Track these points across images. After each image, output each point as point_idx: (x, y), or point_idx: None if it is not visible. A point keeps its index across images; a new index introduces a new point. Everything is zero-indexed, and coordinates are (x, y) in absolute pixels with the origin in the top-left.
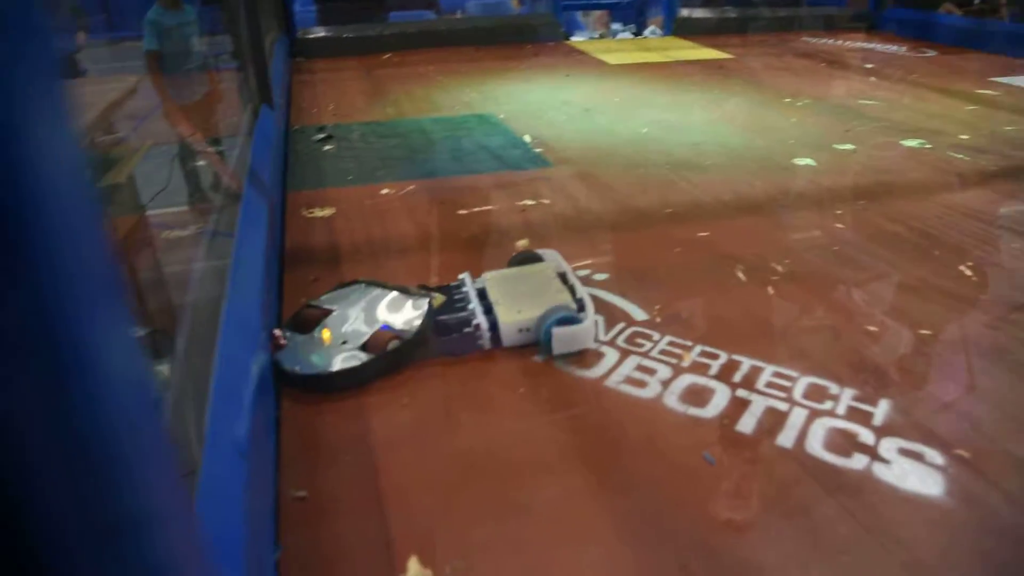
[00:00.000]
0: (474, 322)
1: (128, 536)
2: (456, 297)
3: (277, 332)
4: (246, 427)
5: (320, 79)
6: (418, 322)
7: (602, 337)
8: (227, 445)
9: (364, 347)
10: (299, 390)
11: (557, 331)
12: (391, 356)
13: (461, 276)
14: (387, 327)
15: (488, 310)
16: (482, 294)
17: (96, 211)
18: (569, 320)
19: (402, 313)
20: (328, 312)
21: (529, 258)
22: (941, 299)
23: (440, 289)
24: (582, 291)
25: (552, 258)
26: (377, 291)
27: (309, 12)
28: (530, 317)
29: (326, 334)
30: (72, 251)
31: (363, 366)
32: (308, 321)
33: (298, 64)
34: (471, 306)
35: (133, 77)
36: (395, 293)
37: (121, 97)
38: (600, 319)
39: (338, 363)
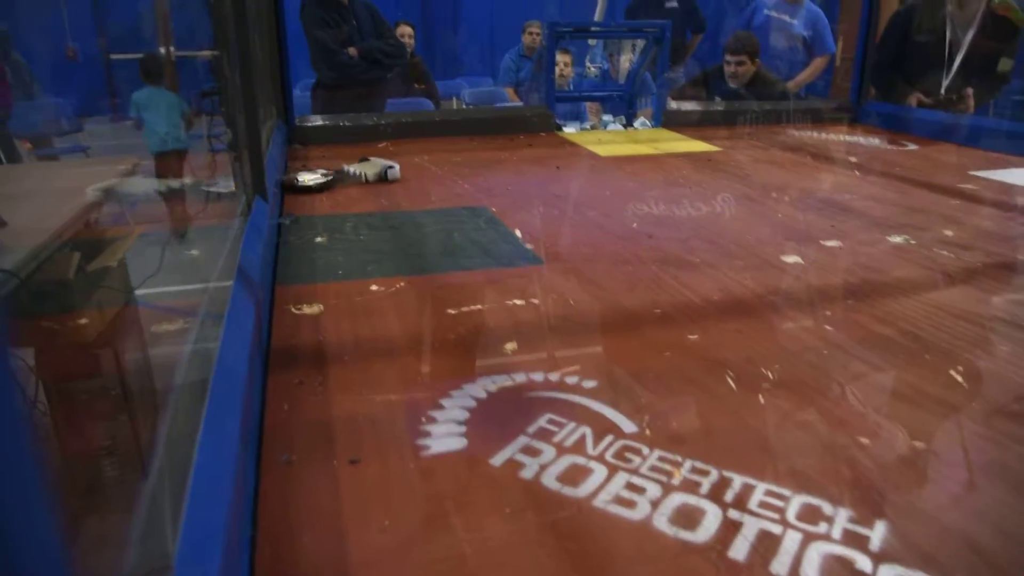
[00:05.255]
0: None
1: None
2: None
3: None
4: (218, 560)
5: (317, 168)
6: None
7: (591, 451)
8: None
9: None
10: None
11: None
12: None
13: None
14: None
15: None
16: None
17: None
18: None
19: None
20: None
21: None
22: (934, 407)
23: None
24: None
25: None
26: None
27: (307, 97)
28: None
29: None
30: None
31: None
32: None
33: (295, 151)
34: None
35: (134, 157)
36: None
37: (118, 180)
38: (588, 430)
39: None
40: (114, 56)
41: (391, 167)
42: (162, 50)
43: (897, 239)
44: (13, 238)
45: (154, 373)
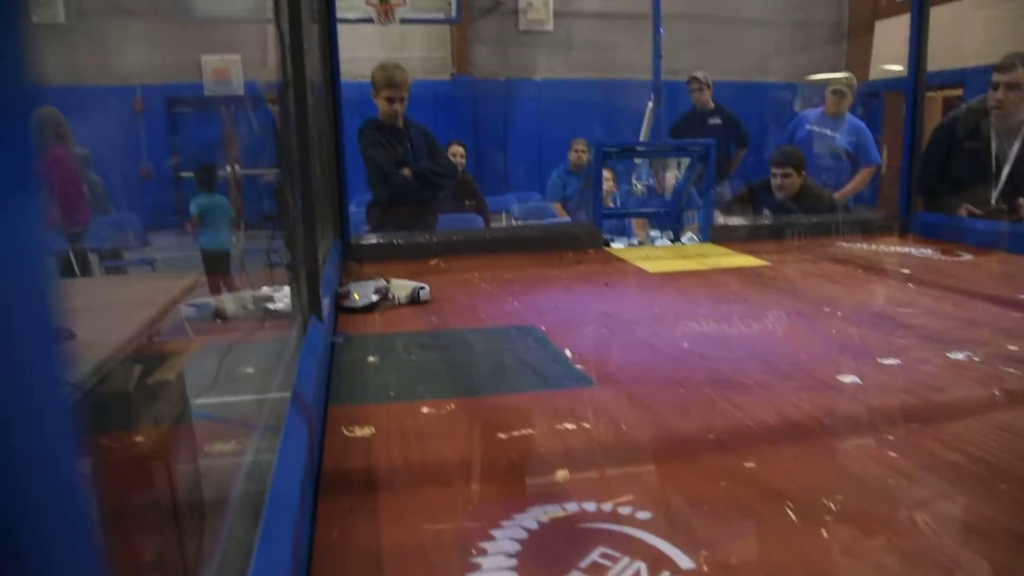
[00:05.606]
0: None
1: None
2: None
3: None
4: None
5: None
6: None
7: None
8: None
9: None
10: None
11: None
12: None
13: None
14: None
15: None
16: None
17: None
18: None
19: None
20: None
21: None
22: (1016, 546)
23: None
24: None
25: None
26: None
27: (362, 213)
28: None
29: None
30: None
31: None
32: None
33: (349, 268)
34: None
35: (195, 274)
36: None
37: (181, 295)
38: (643, 566)
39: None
40: (183, 174)
41: (421, 288)
42: (228, 168)
43: (958, 355)
44: (80, 351)
45: (205, 491)
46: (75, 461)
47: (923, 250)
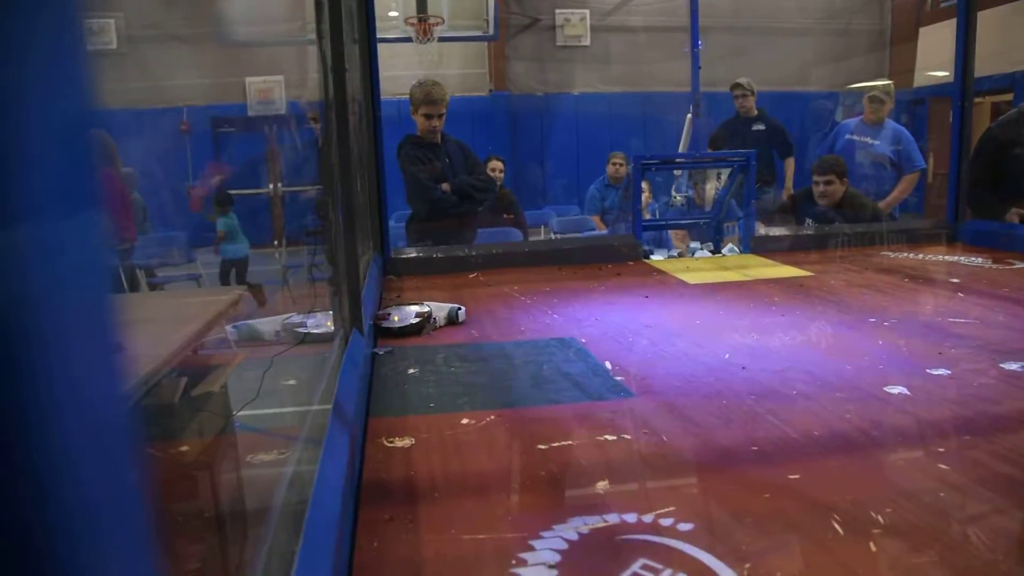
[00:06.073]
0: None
1: None
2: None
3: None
4: None
5: (409, 298)
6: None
7: None
8: None
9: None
10: None
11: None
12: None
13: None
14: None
15: None
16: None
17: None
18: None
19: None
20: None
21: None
22: None
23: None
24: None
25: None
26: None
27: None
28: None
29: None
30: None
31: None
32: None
33: (390, 282)
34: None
35: (239, 289)
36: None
37: (225, 308)
38: None
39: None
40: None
41: (459, 309)
42: (271, 187)
43: (1013, 366)
44: (129, 363)
45: (248, 500)
46: (132, 468)
47: (973, 259)
